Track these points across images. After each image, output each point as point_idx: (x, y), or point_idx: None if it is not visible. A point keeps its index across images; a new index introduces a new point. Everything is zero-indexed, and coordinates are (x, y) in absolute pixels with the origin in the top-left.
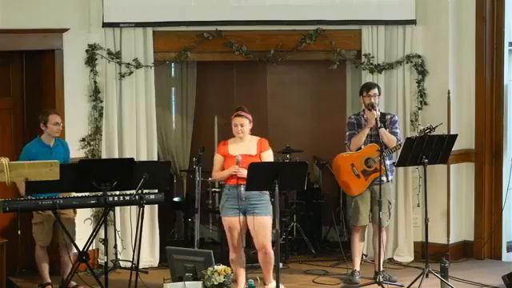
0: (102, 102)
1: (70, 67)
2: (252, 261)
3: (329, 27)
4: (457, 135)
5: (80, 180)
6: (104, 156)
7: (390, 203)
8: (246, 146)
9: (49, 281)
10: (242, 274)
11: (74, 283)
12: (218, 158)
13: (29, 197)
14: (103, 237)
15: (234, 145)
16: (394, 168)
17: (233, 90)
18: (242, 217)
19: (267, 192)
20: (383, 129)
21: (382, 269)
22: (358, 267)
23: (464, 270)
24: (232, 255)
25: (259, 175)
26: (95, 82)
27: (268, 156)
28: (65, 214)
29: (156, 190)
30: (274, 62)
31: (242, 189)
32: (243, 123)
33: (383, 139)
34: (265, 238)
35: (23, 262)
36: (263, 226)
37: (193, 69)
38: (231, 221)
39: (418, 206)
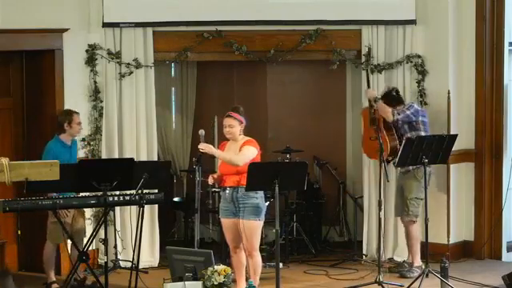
0: (102, 102)
1: (70, 67)
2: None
3: (329, 27)
4: (457, 135)
5: (80, 180)
6: (104, 156)
7: (408, 198)
8: (234, 147)
9: (54, 279)
10: (241, 274)
11: (82, 274)
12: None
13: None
14: (103, 237)
15: (227, 146)
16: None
17: (233, 90)
18: (234, 218)
19: (257, 196)
20: (380, 102)
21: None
22: (417, 262)
23: (464, 270)
24: (231, 255)
25: (259, 175)
26: (95, 82)
27: (244, 150)
28: (76, 222)
29: (156, 190)
30: (274, 62)
31: (227, 191)
32: (231, 124)
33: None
34: (250, 242)
35: (23, 262)
36: (248, 229)
37: (193, 69)
38: (224, 222)
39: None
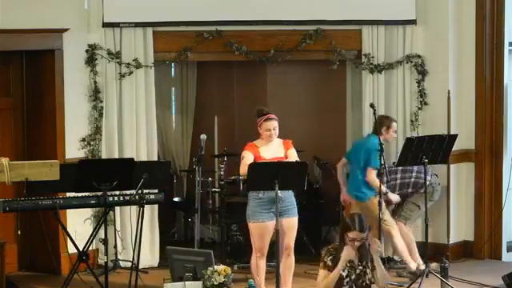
0: (102, 102)
1: (70, 67)
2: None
3: (329, 27)
4: (457, 135)
5: (80, 180)
6: (104, 156)
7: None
8: (273, 148)
9: None
10: (264, 280)
11: None
12: (249, 156)
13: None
14: (103, 237)
15: (263, 148)
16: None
17: (233, 90)
18: (274, 220)
19: (292, 192)
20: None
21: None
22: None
23: (464, 270)
24: (259, 261)
25: (259, 175)
26: (95, 82)
27: (293, 153)
28: None
29: (156, 190)
30: (273, 62)
31: (279, 192)
32: (275, 126)
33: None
34: (291, 240)
35: (23, 262)
36: (293, 227)
37: (193, 69)
38: (265, 226)
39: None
